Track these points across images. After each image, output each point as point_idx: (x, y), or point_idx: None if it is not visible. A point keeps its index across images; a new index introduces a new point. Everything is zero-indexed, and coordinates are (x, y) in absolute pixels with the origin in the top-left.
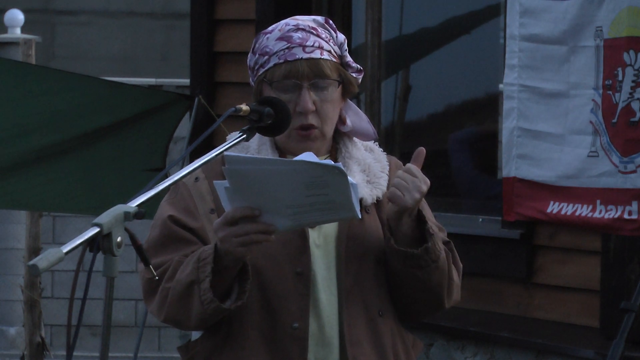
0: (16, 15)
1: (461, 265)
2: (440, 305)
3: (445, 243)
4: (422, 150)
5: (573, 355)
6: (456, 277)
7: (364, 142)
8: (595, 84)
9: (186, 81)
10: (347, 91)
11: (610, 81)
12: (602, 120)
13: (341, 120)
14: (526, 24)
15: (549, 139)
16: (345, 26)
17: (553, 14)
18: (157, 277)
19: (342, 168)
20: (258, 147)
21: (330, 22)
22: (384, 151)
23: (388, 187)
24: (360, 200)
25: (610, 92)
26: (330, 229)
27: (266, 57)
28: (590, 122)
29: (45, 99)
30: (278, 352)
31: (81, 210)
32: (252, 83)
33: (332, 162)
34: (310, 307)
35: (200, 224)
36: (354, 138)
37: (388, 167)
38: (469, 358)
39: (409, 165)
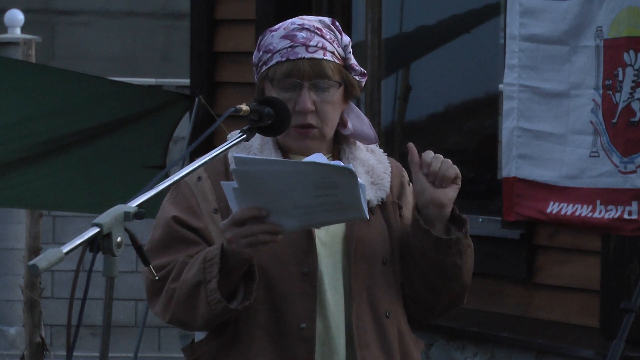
0: (16, 15)
1: None
2: (462, 297)
3: None
4: (410, 145)
5: (573, 355)
6: None
7: (366, 144)
8: (595, 84)
9: (186, 81)
10: (349, 94)
11: (611, 81)
12: (602, 120)
13: (342, 123)
14: (526, 24)
15: (551, 139)
16: (345, 26)
17: (553, 14)
18: (157, 278)
19: (353, 169)
20: (260, 146)
21: (337, 23)
22: (384, 152)
23: (391, 189)
24: (367, 202)
25: (611, 92)
26: (337, 229)
27: (269, 54)
28: (591, 122)
29: (46, 97)
30: (285, 352)
31: (81, 207)
32: (256, 80)
33: (342, 163)
34: (316, 308)
35: (204, 224)
36: (356, 141)
37: (390, 169)
38: (469, 358)
39: (428, 151)
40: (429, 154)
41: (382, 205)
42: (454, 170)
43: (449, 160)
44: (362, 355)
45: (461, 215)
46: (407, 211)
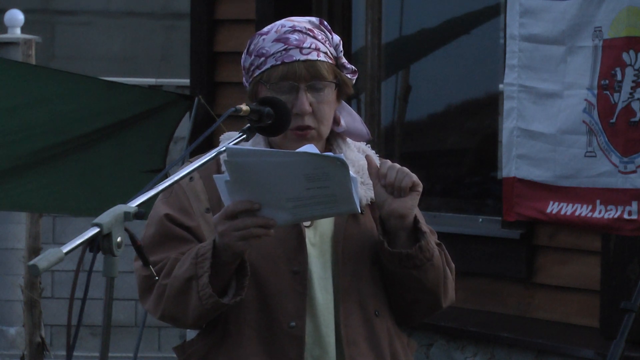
0: (16, 15)
1: (453, 266)
2: (438, 305)
3: (437, 245)
4: (368, 156)
5: (573, 355)
6: (450, 276)
7: (357, 144)
8: (589, 84)
9: (186, 81)
10: (342, 92)
11: (607, 81)
12: (598, 120)
13: (335, 121)
14: (526, 24)
15: (543, 139)
16: (345, 26)
17: (553, 14)
18: (156, 277)
19: (344, 159)
20: (253, 146)
21: (325, 23)
22: (376, 153)
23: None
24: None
25: (608, 92)
26: (326, 228)
27: (262, 58)
28: (584, 121)
29: (45, 100)
30: (275, 351)
31: (81, 211)
32: (246, 84)
33: (333, 154)
34: (306, 307)
35: (196, 223)
36: (347, 139)
37: None
38: (469, 358)
39: (385, 161)
40: (385, 165)
41: (372, 205)
42: (409, 179)
43: (405, 169)
44: (351, 353)
45: (421, 229)
46: None
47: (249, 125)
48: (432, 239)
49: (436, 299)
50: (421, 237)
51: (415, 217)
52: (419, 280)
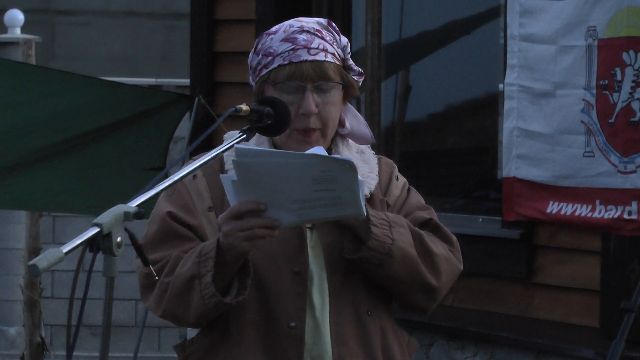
0: (16, 15)
1: (453, 238)
2: (429, 287)
3: (425, 222)
4: None
5: (573, 355)
6: (440, 250)
7: (357, 145)
8: (586, 83)
9: (186, 81)
10: (348, 94)
11: (606, 81)
12: (597, 120)
13: (340, 123)
14: (525, 23)
15: (541, 139)
16: (345, 26)
17: (551, 13)
18: (156, 277)
19: (353, 162)
20: (257, 146)
21: (333, 24)
22: (376, 154)
23: (380, 187)
24: None
25: (607, 92)
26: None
27: (270, 57)
28: (582, 122)
29: (45, 99)
30: (275, 350)
31: (81, 210)
32: (252, 83)
33: (342, 157)
34: (306, 307)
35: (198, 222)
36: (349, 140)
37: (377, 169)
38: (469, 358)
39: None
40: None
41: (370, 203)
42: None
43: None
44: (340, 352)
45: (369, 228)
46: (394, 208)
47: (249, 125)
48: (403, 225)
49: (423, 284)
50: (368, 238)
51: (367, 213)
52: (389, 276)
